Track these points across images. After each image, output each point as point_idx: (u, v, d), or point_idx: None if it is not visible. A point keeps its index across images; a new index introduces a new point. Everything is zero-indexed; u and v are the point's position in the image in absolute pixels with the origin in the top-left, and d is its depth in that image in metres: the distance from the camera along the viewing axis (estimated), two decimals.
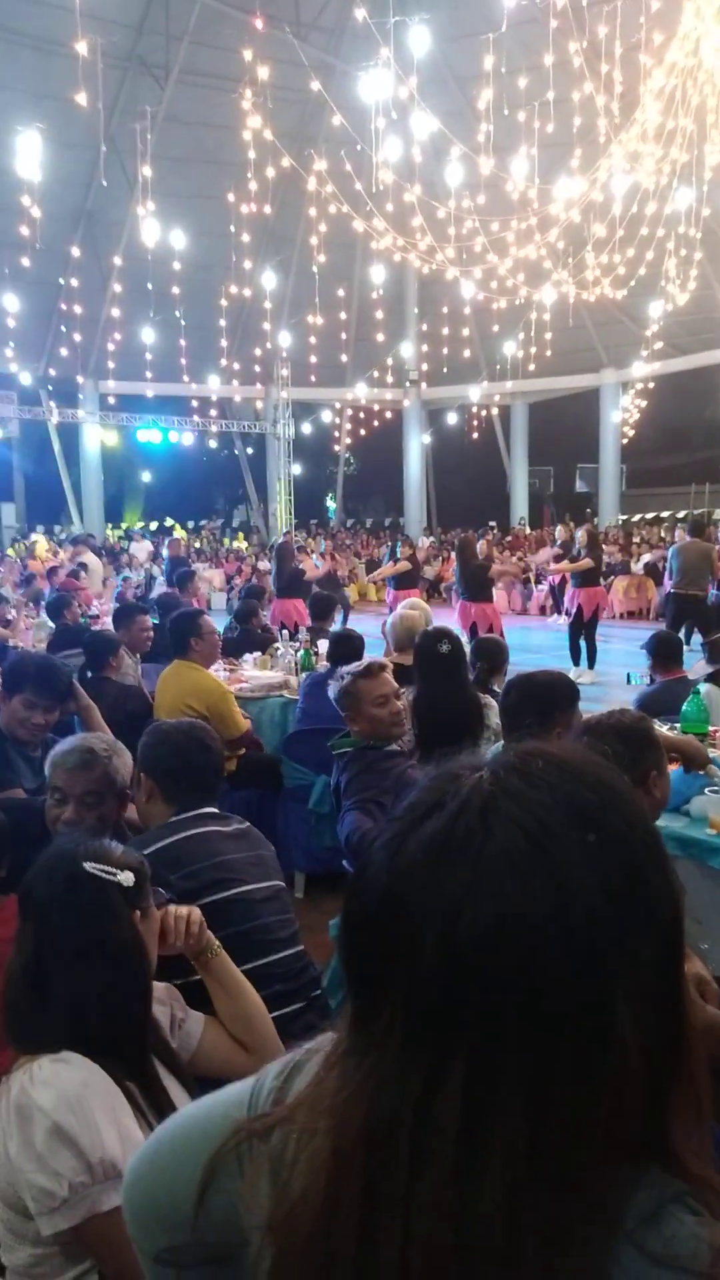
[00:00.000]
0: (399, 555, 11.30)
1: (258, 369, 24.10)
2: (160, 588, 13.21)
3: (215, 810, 2.51)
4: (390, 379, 25.51)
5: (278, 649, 6.75)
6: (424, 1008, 0.65)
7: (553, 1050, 0.63)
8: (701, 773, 3.35)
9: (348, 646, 5.10)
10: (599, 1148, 0.63)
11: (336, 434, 28.42)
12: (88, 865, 1.55)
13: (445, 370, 23.69)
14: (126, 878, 1.57)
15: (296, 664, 6.18)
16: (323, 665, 5.73)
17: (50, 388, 23.57)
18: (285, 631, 7.91)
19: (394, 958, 0.66)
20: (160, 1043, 1.65)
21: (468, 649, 4.93)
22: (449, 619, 8.80)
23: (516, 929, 0.63)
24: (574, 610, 10.85)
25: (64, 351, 21.43)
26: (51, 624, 8.10)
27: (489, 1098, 0.63)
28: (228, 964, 1.90)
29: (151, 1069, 1.56)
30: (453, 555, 15.53)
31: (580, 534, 11.37)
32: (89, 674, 5.15)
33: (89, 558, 14.65)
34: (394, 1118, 0.65)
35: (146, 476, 34.55)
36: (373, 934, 0.69)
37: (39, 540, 21.12)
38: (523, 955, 0.62)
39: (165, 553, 17.35)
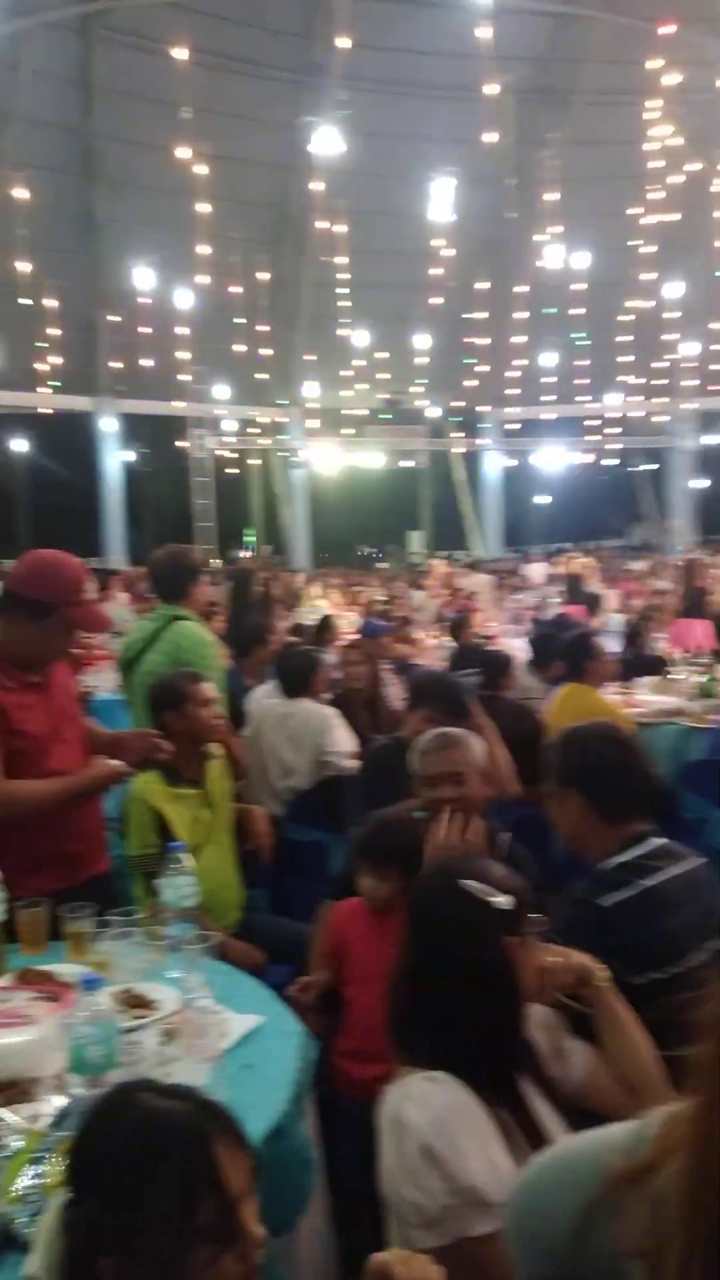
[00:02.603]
0: None
1: (660, 382, 23.32)
2: (555, 608, 13.21)
3: (666, 841, 2.10)
4: None
5: (670, 673, 6.43)
6: None
7: None
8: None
9: None
10: None
11: None
12: (465, 883, 1.58)
13: None
14: (502, 901, 1.57)
15: (695, 690, 5.86)
16: None
17: (461, 419, 24.73)
18: (684, 654, 7.53)
19: None
20: (536, 1069, 1.63)
21: None
22: None
23: None
24: None
25: (467, 383, 22.29)
26: (453, 643, 8.45)
27: None
28: (614, 1001, 1.78)
29: (521, 1095, 1.55)
30: None
31: None
32: (482, 691, 5.28)
33: (467, 580, 14.72)
34: None
35: (543, 499, 34.89)
36: None
37: (437, 564, 22.11)
38: None
39: (564, 571, 17.31)
